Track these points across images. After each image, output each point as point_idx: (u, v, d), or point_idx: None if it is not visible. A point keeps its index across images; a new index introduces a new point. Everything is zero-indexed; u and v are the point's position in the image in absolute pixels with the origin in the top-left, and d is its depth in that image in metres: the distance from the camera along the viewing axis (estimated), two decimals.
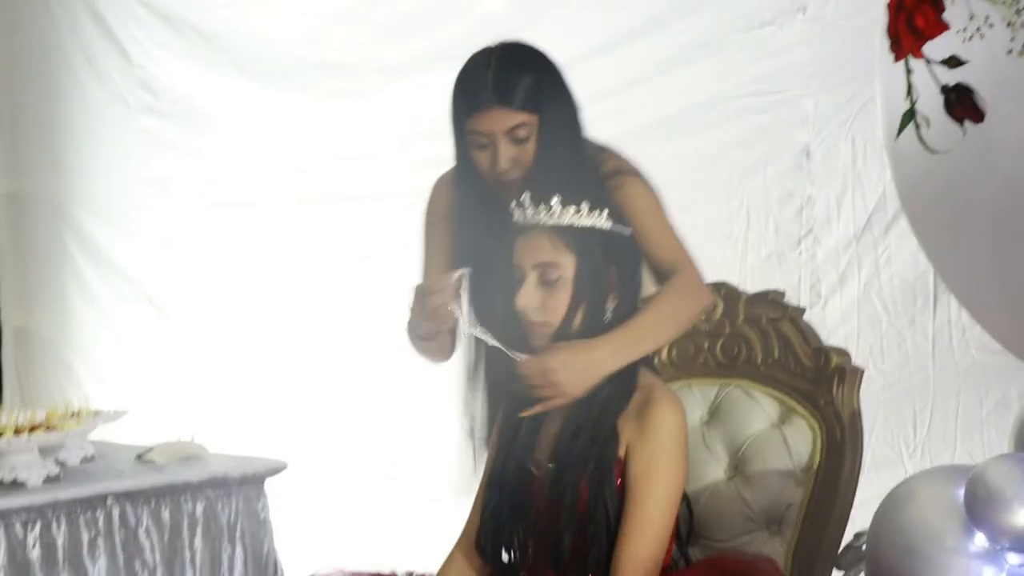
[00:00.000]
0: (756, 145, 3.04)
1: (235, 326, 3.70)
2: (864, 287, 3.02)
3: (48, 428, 2.30)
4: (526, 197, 1.73)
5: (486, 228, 1.89)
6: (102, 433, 2.50)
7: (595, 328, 1.74)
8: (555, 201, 1.72)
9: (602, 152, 1.94)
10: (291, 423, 3.48)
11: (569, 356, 1.71)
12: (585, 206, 1.72)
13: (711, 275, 1.95)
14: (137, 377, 3.75)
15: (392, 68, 3.48)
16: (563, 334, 1.73)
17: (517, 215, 1.76)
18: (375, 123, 3.54)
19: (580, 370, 1.71)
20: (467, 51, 1.96)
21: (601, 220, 1.73)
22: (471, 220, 1.92)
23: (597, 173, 1.89)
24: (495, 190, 1.89)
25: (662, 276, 1.86)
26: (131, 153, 3.79)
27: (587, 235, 1.72)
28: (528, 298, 1.72)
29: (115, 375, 3.82)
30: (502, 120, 1.84)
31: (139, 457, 2.51)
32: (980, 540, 1.52)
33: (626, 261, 1.76)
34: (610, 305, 1.74)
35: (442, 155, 3.41)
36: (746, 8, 3.14)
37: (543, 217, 1.72)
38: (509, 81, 1.83)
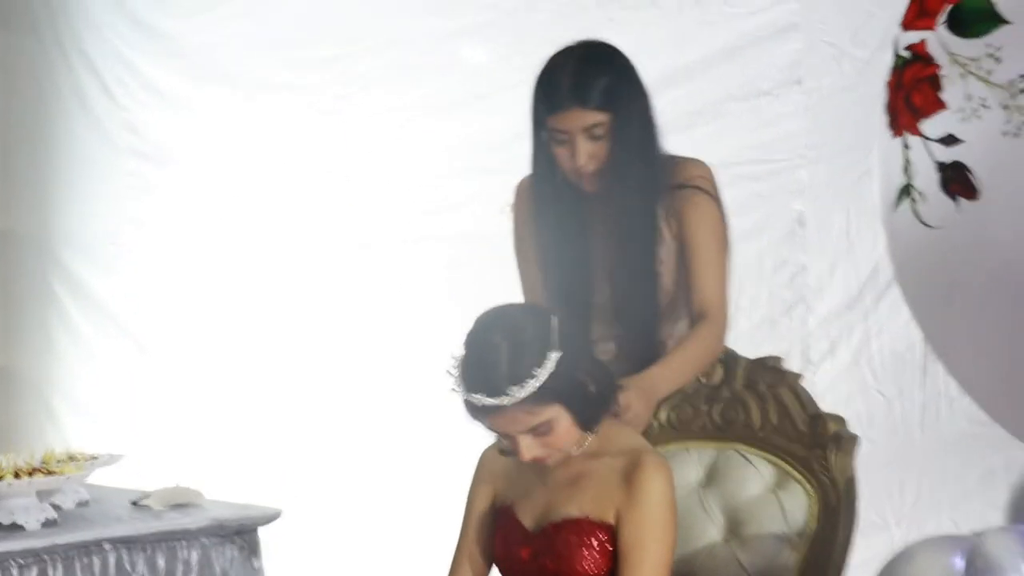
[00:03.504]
0: (751, 212, 3.09)
1: (221, 368, 3.71)
2: (854, 356, 3.07)
3: (48, 472, 2.32)
4: (480, 396, 1.69)
5: (567, 221, 2.04)
6: (92, 476, 2.50)
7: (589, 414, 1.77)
8: (512, 389, 1.68)
9: (691, 163, 2.07)
10: (278, 465, 3.49)
11: (642, 391, 1.90)
12: (536, 369, 1.69)
13: None
14: (121, 419, 3.76)
15: (384, 114, 3.54)
16: (567, 450, 1.76)
17: (476, 402, 1.71)
18: (363, 169, 3.60)
19: (651, 401, 1.93)
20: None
21: (552, 362, 1.70)
22: (552, 215, 2.06)
23: (673, 177, 2.02)
24: (573, 184, 2.03)
25: (696, 310, 2.00)
26: (118, 194, 3.84)
27: (551, 382, 1.70)
28: (530, 451, 1.74)
29: (98, 416, 3.82)
30: (580, 119, 1.97)
31: (135, 503, 2.52)
32: None
33: (582, 357, 1.75)
34: (592, 387, 1.76)
35: (436, 202, 3.50)
36: (743, 78, 3.22)
37: (506, 402, 1.69)
38: (586, 83, 1.97)
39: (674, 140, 3.30)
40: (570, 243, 2.05)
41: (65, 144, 3.94)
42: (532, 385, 1.69)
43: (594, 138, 1.98)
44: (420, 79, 3.51)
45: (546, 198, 2.05)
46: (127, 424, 3.72)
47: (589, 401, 1.74)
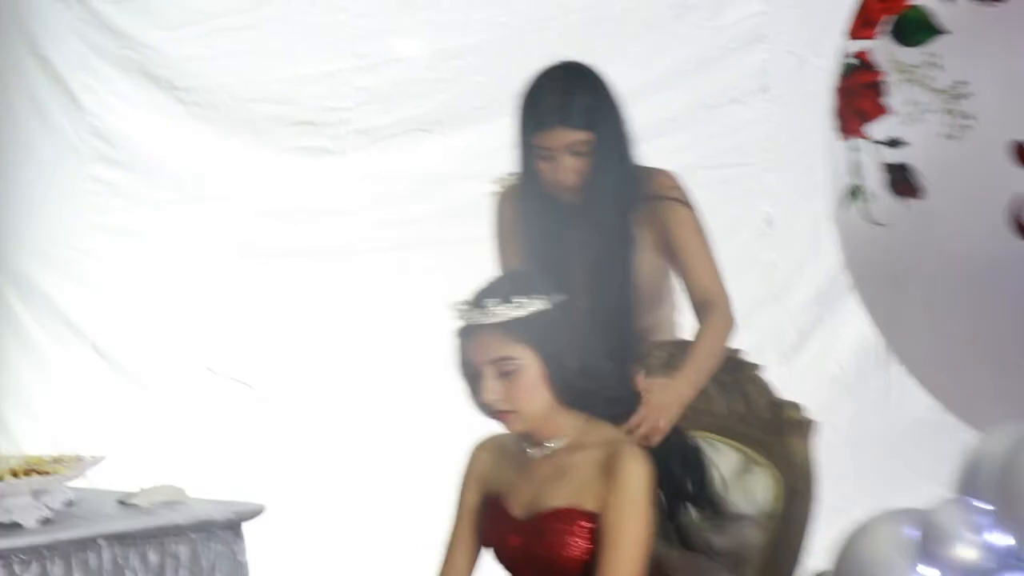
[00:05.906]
0: (722, 213, 3.19)
1: (183, 373, 3.66)
2: (822, 347, 3.19)
3: (41, 472, 2.40)
4: (466, 308, 1.80)
5: (548, 229, 2.15)
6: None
7: (565, 388, 1.84)
8: (493, 303, 1.79)
9: (660, 174, 2.19)
10: (254, 465, 3.50)
11: (667, 395, 1.95)
12: (522, 299, 1.79)
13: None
14: (78, 427, 3.66)
15: (363, 132, 3.61)
16: (532, 415, 1.83)
17: (462, 317, 1.81)
18: (340, 182, 3.65)
19: (676, 405, 1.97)
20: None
21: (539, 303, 1.80)
22: (535, 223, 2.17)
23: (647, 189, 2.14)
24: (555, 195, 2.15)
25: (698, 302, 2.09)
26: (82, 201, 3.72)
27: (531, 321, 1.79)
28: (492, 393, 1.81)
29: (53, 424, 3.71)
30: (564, 137, 2.10)
31: (122, 502, 2.60)
32: (930, 573, 1.68)
33: (569, 325, 1.83)
34: (571, 364, 1.82)
35: (414, 215, 3.57)
36: (714, 87, 3.34)
37: (484, 318, 1.79)
38: (570, 104, 2.09)
39: (651, 145, 3.41)
40: (551, 249, 2.17)
41: (17, 150, 3.80)
42: (513, 310, 1.78)
43: (576, 155, 2.10)
44: (406, 98, 3.59)
45: (530, 207, 2.18)
46: (85, 432, 3.69)
47: (565, 374, 1.81)
